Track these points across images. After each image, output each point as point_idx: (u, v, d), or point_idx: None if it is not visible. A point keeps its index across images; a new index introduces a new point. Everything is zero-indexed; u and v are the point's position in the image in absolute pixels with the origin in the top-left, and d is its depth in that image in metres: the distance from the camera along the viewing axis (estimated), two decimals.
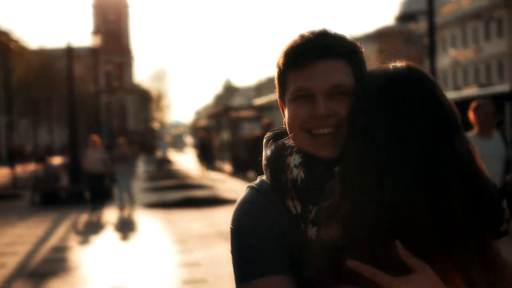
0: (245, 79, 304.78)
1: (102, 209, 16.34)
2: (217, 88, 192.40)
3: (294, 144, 1.56)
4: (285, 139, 1.59)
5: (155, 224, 13.84)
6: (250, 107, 37.42)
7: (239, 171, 27.55)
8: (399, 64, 1.47)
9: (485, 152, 5.48)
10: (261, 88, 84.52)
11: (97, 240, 12.01)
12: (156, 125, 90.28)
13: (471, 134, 5.87)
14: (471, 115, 5.95)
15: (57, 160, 35.90)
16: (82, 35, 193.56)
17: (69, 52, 21.64)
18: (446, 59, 51.17)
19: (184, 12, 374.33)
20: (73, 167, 20.66)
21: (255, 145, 14.90)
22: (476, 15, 46.87)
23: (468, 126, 5.79)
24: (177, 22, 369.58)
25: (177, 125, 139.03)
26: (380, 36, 55.85)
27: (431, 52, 14.97)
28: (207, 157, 31.95)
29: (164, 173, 31.36)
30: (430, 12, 15.18)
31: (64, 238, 12.32)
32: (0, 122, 45.49)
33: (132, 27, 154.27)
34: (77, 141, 22.07)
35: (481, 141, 5.76)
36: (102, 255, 10.34)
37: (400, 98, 1.40)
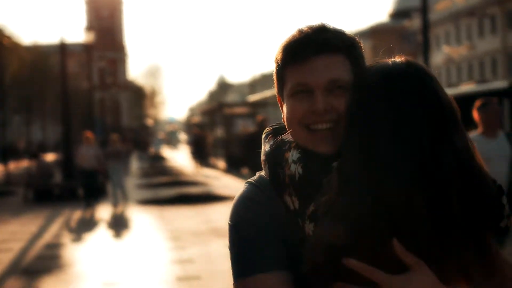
0: (239, 75, 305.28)
1: (96, 206, 16.31)
2: (211, 85, 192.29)
3: (292, 139, 1.55)
4: (284, 135, 1.58)
5: (149, 221, 13.82)
6: (244, 103, 37.31)
7: (233, 168, 27.51)
8: (398, 59, 1.46)
9: (490, 152, 5.40)
10: (255, 84, 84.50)
11: (90, 237, 11.99)
12: (150, 122, 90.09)
13: (475, 134, 5.71)
14: (475, 114, 5.78)
15: (50, 157, 35.81)
16: (75, 31, 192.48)
17: (63, 48, 21.59)
18: (440, 56, 51.27)
19: (178, 8, 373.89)
20: (67, 163, 20.63)
21: (249, 141, 14.89)
22: (470, 12, 47.00)
23: (466, 123, 5.75)
24: (171, 18, 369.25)
25: (171, 122, 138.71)
26: (374, 33, 55.97)
27: (425, 49, 14.99)
28: (201, 154, 31.89)
29: (157, 169, 31.32)
30: (424, 9, 15.22)
31: (57, 235, 12.29)
32: None
33: (125, 23, 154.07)
34: (71, 137, 22.00)
35: (485, 140, 5.63)
36: (96, 252, 10.32)
37: (399, 93, 1.39)
